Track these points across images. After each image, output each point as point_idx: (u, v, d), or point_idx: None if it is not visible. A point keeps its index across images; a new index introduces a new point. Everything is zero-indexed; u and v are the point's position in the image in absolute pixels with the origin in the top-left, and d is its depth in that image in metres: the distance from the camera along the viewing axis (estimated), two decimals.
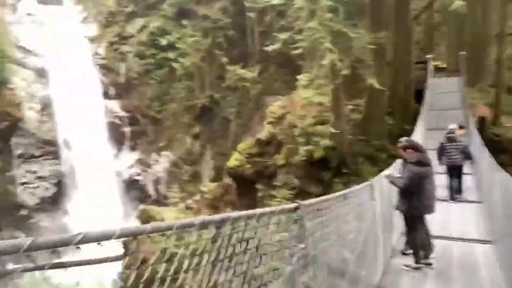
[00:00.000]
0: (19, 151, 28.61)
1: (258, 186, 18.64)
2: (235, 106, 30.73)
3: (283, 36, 20.09)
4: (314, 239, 3.55)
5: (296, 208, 3.22)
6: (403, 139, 7.08)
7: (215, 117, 31.40)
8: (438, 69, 23.64)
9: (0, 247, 1.32)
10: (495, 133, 17.00)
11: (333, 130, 17.04)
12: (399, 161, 7.71)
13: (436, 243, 7.16)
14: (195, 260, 2.29)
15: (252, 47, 31.40)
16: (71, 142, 29.68)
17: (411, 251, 7.02)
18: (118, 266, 18.01)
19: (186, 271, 2.27)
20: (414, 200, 6.66)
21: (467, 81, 20.78)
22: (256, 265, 2.75)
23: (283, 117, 20.32)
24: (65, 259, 1.68)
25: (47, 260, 1.56)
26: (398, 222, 8.05)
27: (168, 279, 2.13)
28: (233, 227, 2.49)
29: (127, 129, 32.28)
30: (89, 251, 1.66)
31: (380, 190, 6.70)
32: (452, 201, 10.84)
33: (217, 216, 2.27)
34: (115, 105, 32.51)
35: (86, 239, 1.56)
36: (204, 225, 2.19)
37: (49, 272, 1.54)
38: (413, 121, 16.83)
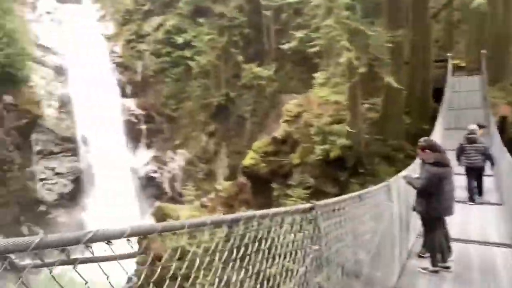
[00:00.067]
0: (38, 148, 29.14)
1: (273, 185, 18.57)
2: (250, 104, 30.71)
3: (300, 34, 19.92)
4: (329, 240, 3.49)
5: (311, 209, 3.16)
6: (422, 139, 6.93)
7: (230, 115, 31.44)
8: (457, 68, 23.20)
9: (8, 245, 1.30)
10: None
11: (349, 129, 16.86)
12: (417, 162, 7.57)
13: (454, 246, 7.00)
14: (207, 259, 2.26)
15: (268, 45, 31.33)
16: (89, 139, 30.10)
17: (428, 254, 6.87)
18: (133, 263, 18.22)
19: (197, 270, 2.25)
20: (432, 202, 6.51)
21: (488, 80, 20.36)
22: (269, 266, 2.71)
23: (299, 115, 20.20)
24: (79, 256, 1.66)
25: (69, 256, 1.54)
26: (415, 223, 7.90)
27: (180, 277, 2.10)
28: (246, 227, 2.44)
29: (143, 127, 32.56)
30: (104, 248, 1.63)
31: (397, 190, 6.59)
32: (471, 203, 10.59)
33: (229, 216, 2.23)
34: (131, 103, 32.84)
35: (96, 238, 1.53)
36: (216, 225, 2.15)
37: (65, 269, 1.53)
38: (432, 120, 16.55)
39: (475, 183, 10.94)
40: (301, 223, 3.13)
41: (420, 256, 7.27)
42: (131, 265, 18.08)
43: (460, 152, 10.98)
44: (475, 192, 10.91)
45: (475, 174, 10.90)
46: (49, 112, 29.90)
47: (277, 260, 2.81)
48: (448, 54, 22.96)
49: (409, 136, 17.24)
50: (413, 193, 6.99)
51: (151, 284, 1.89)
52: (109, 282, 1.66)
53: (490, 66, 21.04)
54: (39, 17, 33.29)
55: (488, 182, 11.61)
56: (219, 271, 2.32)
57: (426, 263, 6.78)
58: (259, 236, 2.62)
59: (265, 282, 2.66)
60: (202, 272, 2.30)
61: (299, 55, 25.75)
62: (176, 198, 29.44)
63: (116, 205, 26.83)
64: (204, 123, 32.12)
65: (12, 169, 27.56)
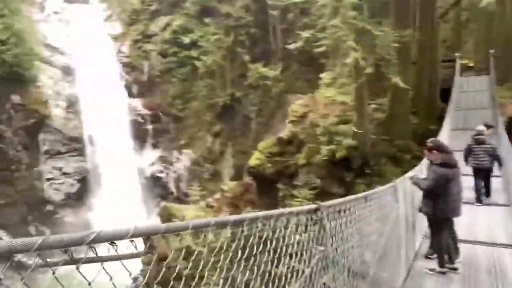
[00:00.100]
0: (45, 147, 29.31)
1: (279, 185, 18.53)
2: (256, 104, 30.69)
3: (306, 34, 19.88)
4: (335, 240, 3.47)
5: (316, 209, 3.14)
6: (430, 140, 6.88)
7: (236, 115, 31.44)
8: (465, 68, 23.05)
9: (11, 246, 1.30)
10: None
11: (355, 130, 16.79)
12: (424, 162, 7.51)
13: (461, 247, 6.94)
14: (212, 259, 2.25)
15: (274, 45, 31.30)
16: (95, 139, 30.24)
17: (435, 255, 6.82)
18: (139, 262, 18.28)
19: (203, 270, 2.24)
20: (439, 202, 6.46)
21: (496, 80, 20.21)
22: (275, 267, 2.70)
23: (305, 116, 20.15)
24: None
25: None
26: (422, 224, 7.85)
27: (187, 277, 2.10)
28: (250, 228, 2.43)
29: (149, 127, 32.66)
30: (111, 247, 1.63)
31: (404, 191, 6.54)
32: (479, 204, 10.51)
33: (232, 217, 2.21)
34: (138, 103, 32.95)
35: (99, 239, 1.52)
36: (219, 226, 2.14)
37: (73, 268, 1.53)
38: (439, 120, 16.45)
39: (482, 184, 10.86)
40: (306, 224, 3.12)
41: (427, 257, 7.22)
42: (137, 265, 18.16)
43: (468, 153, 10.91)
44: (483, 193, 10.83)
45: (483, 175, 10.82)
46: (57, 112, 30.07)
47: (282, 261, 2.79)
48: (456, 54, 22.83)
49: (416, 136, 17.14)
50: (419, 193, 6.94)
51: (157, 284, 1.88)
52: (113, 284, 1.65)
53: (499, 65, 20.89)
54: (47, 17, 33.51)
55: (496, 183, 11.51)
56: (224, 271, 2.31)
57: (433, 264, 6.73)
58: (264, 237, 2.60)
59: (270, 284, 2.64)
60: (206, 272, 2.29)
61: (305, 55, 25.70)
62: (182, 198, 29.49)
63: (122, 205, 26.93)
64: (210, 123, 32.16)
65: (20, 169, 27.73)
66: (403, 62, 17.60)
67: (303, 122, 20.04)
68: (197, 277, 2.17)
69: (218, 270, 2.30)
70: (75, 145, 30.16)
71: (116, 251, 1.58)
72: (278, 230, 2.76)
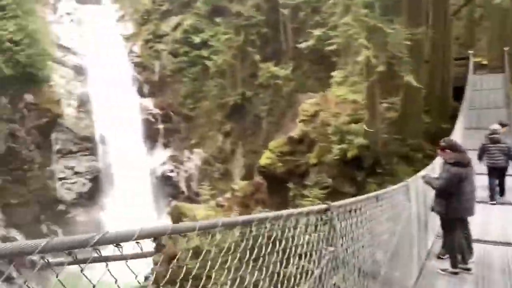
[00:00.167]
0: (58, 147, 29.61)
1: (290, 185, 18.46)
2: (267, 103, 30.64)
3: (317, 32, 19.77)
4: (345, 241, 3.43)
5: (326, 210, 3.10)
6: (443, 139, 6.80)
7: (247, 114, 31.42)
8: (479, 66, 22.73)
9: (14, 248, 1.30)
10: None
11: (367, 129, 16.66)
12: (437, 161, 7.43)
13: (475, 247, 6.84)
14: (220, 259, 2.23)
15: (285, 44, 31.21)
16: (107, 139, 30.46)
17: (448, 255, 6.73)
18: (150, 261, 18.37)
19: (211, 269, 2.22)
20: (452, 202, 6.38)
21: (511, 78, 19.89)
22: (284, 267, 2.67)
23: (316, 115, 20.05)
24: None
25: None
26: (434, 223, 7.75)
27: (196, 276, 2.08)
28: (258, 228, 2.40)
29: (160, 127, 32.83)
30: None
31: (416, 190, 6.48)
32: (493, 203, 10.37)
33: (241, 218, 2.18)
34: (149, 103, 33.13)
35: (104, 241, 1.51)
36: (227, 227, 2.11)
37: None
38: (452, 119, 16.24)
39: (496, 182, 10.73)
40: (316, 224, 3.08)
41: (439, 258, 7.13)
42: (149, 264, 18.25)
43: (483, 152, 10.80)
44: (497, 192, 10.70)
45: (497, 174, 10.72)
46: (69, 111, 30.37)
47: (291, 261, 2.76)
48: (469, 52, 22.51)
49: (428, 135, 16.96)
50: (431, 192, 6.86)
51: (166, 283, 1.86)
52: (118, 286, 1.63)
53: None
54: (60, 18, 33.88)
55: (510, 182, 11.35)
56: (232, 272, 2.29)
57: (446, 264, 6.65)
58: (273, 237, 2.57)
59: (279, 285, 2.62)
60: (214, 273, 2.27)
61: (316, 54, 25.57)
62: (193, 198, 29.58)
63: (133, 205, 27.08)
64: (221, 122, 32.20)
65: (33, 168, 28.07)
66: (415, 60, 17.40)
67: (314, 121, 19.94)
68: (204, 277, 2.15)
69: (226, 270, 2.28)
70: (86, 145, 30.43)
71: (121, 252, 1.57)
72: (287, 230, 2.73)
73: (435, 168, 8.13)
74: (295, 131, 20.54)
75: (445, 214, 6.57)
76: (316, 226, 3.08)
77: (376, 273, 4.44)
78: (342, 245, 3.34)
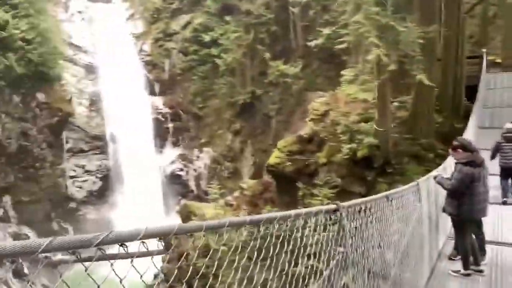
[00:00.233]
0: (69, 145, 29.89)
1: (299, 184, 18.38)
2: (276, 102, 30.58)
3: (327, 30, 19.65)
4: (355, 241, 3.38)
5: (335, 210, 3.05)
6: (456, 138, 6.70)
7: (256, 113, 31.39)
8: (493, 64, 22.42)
9: (16, 248, 1.29)
10: None
11: (377, 128, 16.51)
12: (449, 161, 7.32)
13: (487, 248, 6.73)
14: (228, 259, 2.20)
15: (295, 43, 31.12)
16: (117, 137, 30.64)
17: (459, 257, 6.63)
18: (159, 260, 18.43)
19: (217, 270, 2.19)
20: (464, 203, 6.26)
21: None
22: (293, 267, 2.64)
23: (325, 114, 19.93)
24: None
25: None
26: (445, 224, 7.65)
27: (205, 275, 2.05)
28: (266, 228, 2.36)
29: (170, 125, 32.93)
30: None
31: (427, 190, 6.39)
32: (507, 202, 10.21)
33: (249, 217, 2.14)
34: (159, 102, 33.26)
35: (108, 240, 1.49)
36: (235, 226, 2.07)
37: (96, 264, 1.51)
38: (464, 119, 16.04)
39: (509, 182, 10.57)
40: (325, 224, 3.04)
41: (450, 259, 7.03)
42: (158, 262, 18.32)
43: (496, 151, 10.65)
44: (510, 192, 10.54)
45: (510, 173, 10.54)
46: (80, 110, 30.62)
47: (300, 261, 2.73)
48: (483, 50, 22.22)
49: (440, 135, 16.75)
50: (443, 193, 6.76)
51: (176, 281, 1.83)
52: (123, 285, 1.61)
53: None
54: (71, 16, 34.13)
55: None
56: (239, 272, 2.26)
57: (458, 265, 6.55)
58: (281, 237, 2.54)
59: (288, 285, 2.59)
60: (221, 273, 2.24)
61: (326, 52, 25.44)
62: (202, 196, 29.65)
63: (143, 203, 27.21)
64: (230, 121, 32.21)
65: (44, 166, 28.37)
66: (428, 58, 17.18)
67: (324, 120, 19.82)
68: (211, 277, 2.12)
69: (234, 270, 2.25)
70: (97, 143, 30.67)
71: (126, 251, 1.55)
72: (295, 230, 2.69)
73: (447, 168, 8.02)
74: (305, 130, 20.44)
75: (456, 215, 6.46)
76: (325, 226, 3.03)
77: (386, 273, 4.39)
78: (351, 245, 3.30)
